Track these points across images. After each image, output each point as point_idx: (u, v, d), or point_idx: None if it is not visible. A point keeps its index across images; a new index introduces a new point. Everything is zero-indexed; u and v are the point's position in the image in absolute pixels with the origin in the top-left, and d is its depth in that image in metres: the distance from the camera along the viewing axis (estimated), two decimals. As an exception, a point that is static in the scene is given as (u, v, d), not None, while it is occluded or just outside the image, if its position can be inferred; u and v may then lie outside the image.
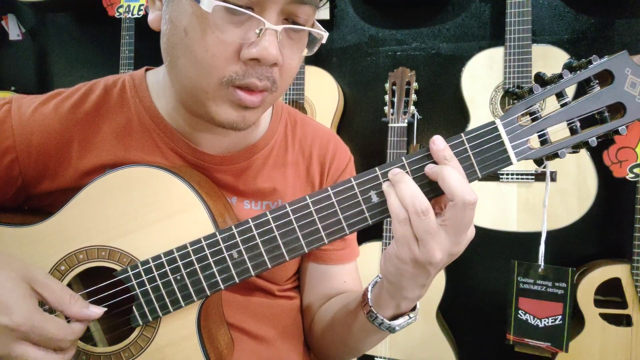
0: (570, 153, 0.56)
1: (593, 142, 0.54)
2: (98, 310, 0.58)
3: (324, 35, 0.61)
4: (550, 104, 0.56)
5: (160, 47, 0.62)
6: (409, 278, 0.57)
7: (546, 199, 0.66)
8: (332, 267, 0.80)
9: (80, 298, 0.57)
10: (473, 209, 0.52)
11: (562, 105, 0.54)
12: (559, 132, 0.55)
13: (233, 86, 0.57)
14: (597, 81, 0.54)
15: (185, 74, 0.59)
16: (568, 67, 0.54)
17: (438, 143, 0.54)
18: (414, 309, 0.64)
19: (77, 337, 0.56)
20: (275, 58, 0.55)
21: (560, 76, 0.54)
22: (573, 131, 0.55)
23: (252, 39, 0.55)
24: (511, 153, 0.55)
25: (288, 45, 0.59)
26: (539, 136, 0.55)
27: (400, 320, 0.63)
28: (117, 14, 1.98)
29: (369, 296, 0.64)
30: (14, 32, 2.42)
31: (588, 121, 0.55)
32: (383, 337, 0.69)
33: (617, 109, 0.54)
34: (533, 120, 0.55)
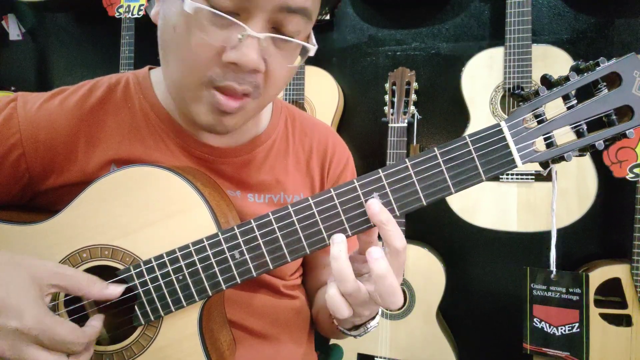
0: (576, 156, 0.55)
1: (600, 145, 0.54)
2: (118, 289, 0.58)
3: (311, 48, 0.60)
4: (551, 107, 0.55)
5: None
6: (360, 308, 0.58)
7: (554, 203, 0.65)
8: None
9: (98, 279, 0.57)
10: (391, 282, 0.52)
11: (568, 108, 0.54)
12: (564, 135, 0.55)
13: (213, 87, 0.57)
14: (604, 84, 0.53)
15: (172, 70, 0.60)
16: (575, 69, 0.54)
17: (373, 207, 0.53)
18: (374, 317, 0.66)
19: (89, 340, 0.55)
20: (254, 64, 0.55)
21: (567, 78, 0.53)
22: (580, 134, 0.54)
23: (235, 42, 0.54)
24: (516, 156, 0.55)
25: (274, 54, 0.58)
26: (545, 139, 0.55)
27: (360, 330, 0.67)
28: (117, 14, 1.98)
29: None
30: (14, 32, 2.41)
31: (594, 124, 0.54)
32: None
33: (625, 112, 0.53)
34: (539, 122, 0.54)
